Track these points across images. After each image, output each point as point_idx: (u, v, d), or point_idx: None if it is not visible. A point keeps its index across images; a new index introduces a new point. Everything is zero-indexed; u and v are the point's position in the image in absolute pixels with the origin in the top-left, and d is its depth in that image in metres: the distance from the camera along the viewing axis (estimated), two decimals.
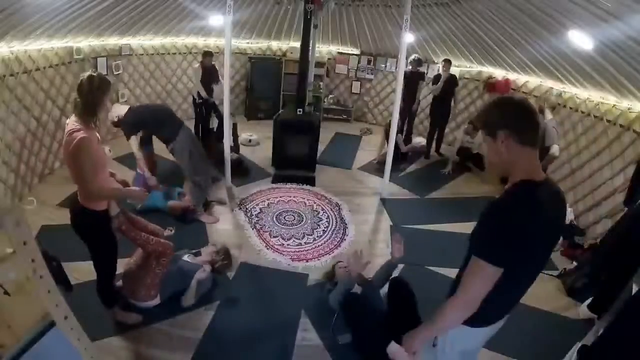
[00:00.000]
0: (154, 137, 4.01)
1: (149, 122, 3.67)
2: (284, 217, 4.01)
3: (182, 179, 4.01)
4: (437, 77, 5.66)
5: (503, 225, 1.21)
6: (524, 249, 1.22)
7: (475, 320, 1.36)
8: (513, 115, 1.26)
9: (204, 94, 5.17)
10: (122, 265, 2.71)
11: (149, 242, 2.49)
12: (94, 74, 2.00)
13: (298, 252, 3.48)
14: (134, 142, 3.57)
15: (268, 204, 4.23)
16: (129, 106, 3.77)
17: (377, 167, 5.33)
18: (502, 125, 1.26)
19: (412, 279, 2.73)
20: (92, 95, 1.97)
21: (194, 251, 3.08)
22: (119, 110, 3.67)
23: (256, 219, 3.92)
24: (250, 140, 5.84)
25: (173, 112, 3.99)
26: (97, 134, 2.09)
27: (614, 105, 3.97)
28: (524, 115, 1.26)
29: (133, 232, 2.44)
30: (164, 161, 4.60)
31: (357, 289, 2.76)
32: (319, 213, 4.15)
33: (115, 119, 3.66)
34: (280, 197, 4.42)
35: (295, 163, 4.93)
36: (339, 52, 7.28)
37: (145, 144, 3.99)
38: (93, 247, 2.24)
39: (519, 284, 1.39)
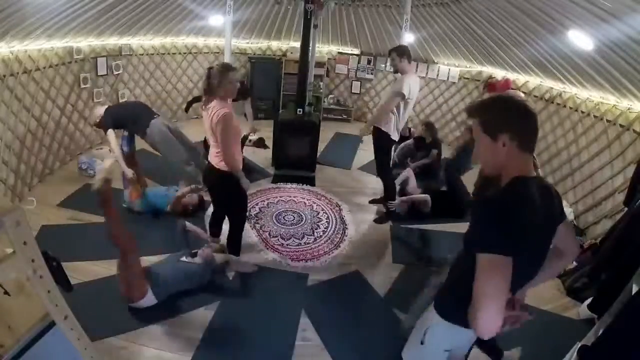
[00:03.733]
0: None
1: (126, 119, 3.72)
2: (284, 217, 4.01)
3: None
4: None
5: (504, 217, 1.17)
6: (525, 239, 1.18)
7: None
8: (517, 120, 1.25)
9: None
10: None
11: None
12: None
13: (298, 252, 3.48)
14: (111, 136, 3.63)
15: (268, 204, 4.23)
16: (106, 106, 3.84)
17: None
18: (505, 128, 1.23)
19: (413, 279, 2.73)
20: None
21: (192, 252, 3.06)
22: (100, 111, 3.74)
23: (256, 218, 3.92)
24: (250, 140, 5.83)
25: (147, 107, 4.04)
26: None
27: (614, 105, 3.97)
28: (528, 121, 1.25)
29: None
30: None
31: None
32: (318, 213, 4.15)
33: (97, 120, 3.74)
34: (280, 197, 4.42)
35: (295, 163, 4.93)
36: (339, 52, 7.27)
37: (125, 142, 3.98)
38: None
39: (517, 278, 1.28)
